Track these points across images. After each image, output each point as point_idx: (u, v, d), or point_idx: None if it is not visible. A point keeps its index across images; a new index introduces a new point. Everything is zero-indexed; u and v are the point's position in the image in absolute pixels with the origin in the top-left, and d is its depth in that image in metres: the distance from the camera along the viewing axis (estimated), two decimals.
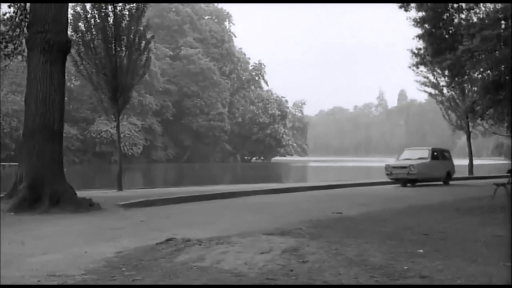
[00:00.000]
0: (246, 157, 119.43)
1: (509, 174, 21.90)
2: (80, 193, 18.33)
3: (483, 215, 15.12)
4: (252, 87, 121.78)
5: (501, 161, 69.26)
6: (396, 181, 30.04)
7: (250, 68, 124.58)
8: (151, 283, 7.66)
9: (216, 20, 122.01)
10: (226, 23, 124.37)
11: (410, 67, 37.82)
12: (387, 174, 30.10)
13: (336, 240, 10.96)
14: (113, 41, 23.65)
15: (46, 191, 16.28)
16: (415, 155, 32.03)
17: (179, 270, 8.40)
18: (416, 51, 35.54)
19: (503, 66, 24.97)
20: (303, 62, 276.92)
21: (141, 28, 24.81)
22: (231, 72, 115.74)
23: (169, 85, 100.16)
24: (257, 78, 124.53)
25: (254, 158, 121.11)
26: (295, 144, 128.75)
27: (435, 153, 32.28)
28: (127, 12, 24.01)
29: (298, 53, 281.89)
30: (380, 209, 16.76)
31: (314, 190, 26.45)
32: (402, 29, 41.46)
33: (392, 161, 34.61)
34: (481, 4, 27.09)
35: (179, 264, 8.88)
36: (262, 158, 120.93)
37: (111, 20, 23.62)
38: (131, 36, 24.10)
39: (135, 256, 9.58)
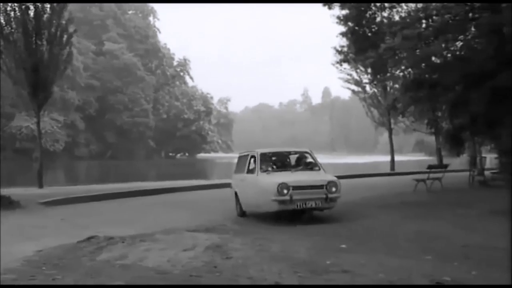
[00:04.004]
0: (170, 154, 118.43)
1: (428, 170, 22.43)
2: None
3: (404, 210, 15.41)
4: (177, 83, 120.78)
5: (422, 157, 70.93)
6: None
7: (175, 64, 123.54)
8: (73, 283, 7.47)
9: (140, 15, 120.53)
10: (151, 18, 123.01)
11: (333, 64, 38.22)
12: None
13: (260, 236, 11.00)
14: (34, 35, 23.06)
15: None
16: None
17: (101, 268, 8.26)
18: (339, 49, 36.00)
19: (423, 64, 25.53)
20: (229, 59, 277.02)
21: (63, 22, 24.27)
22: (156, 68, 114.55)
23: (92, 80, 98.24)
24: (182, 74, 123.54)
25: (179, 155, 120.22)
26: (220, 141, 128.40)
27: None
28: (48, 6, 23.43)
29: (224, 50, 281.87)
30: None
31: None
32: (327, 27, 41.83)
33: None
34: (403, 3, 27.61)
35: (101, 262, 8.73)
36: (187, 154, 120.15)
37: (31, 13, 23.01)
38: (53, 30, 23.56)
39: (56, 254, 9.36)
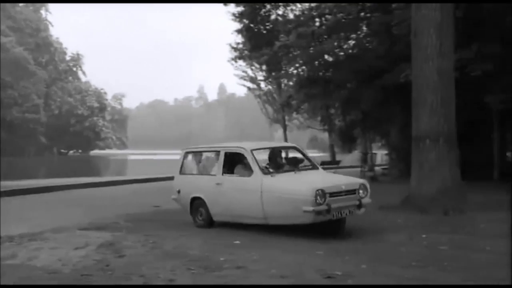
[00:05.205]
0: (63, 150, 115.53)
1: (321, 166, 22.83)
2: None
3: None
4: (70, 78, 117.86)
5: (315, 153, 72.33)
6: None
7: (68, 58, 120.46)
8: None
9: (31, 8, 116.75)
10: (43, 12, 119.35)
11: (229, 61, 38.36)
12: None
13: (153, 234, 10.90)
14: None
15: None
16: None
17: None
18: (235, 46, 36.20)
19: (317, 62, 26.00)
20: (124, 55, 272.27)
21: None
22: (48, 63, 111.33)
23: None
24: (74, 69, 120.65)
25: (71, 152, 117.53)
26: (114, 137, 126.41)
27: None
28: None
29: (119, 46, 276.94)
30: None
31: (133, 184, 26.14)
32: (224, 23, 41.93)
33: None
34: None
35: None
36: (80, 151, 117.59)
37: None
38: None
39: None
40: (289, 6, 29.06)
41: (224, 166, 11.93)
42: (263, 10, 29.21)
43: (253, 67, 41.06)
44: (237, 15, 30.46)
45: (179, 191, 12.95)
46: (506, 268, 7.83)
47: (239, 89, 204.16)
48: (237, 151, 11.83)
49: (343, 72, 24.76)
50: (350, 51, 25.72)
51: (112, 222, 12.86)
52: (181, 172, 13.18)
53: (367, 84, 23.22)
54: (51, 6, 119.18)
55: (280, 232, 10.52)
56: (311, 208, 9.94)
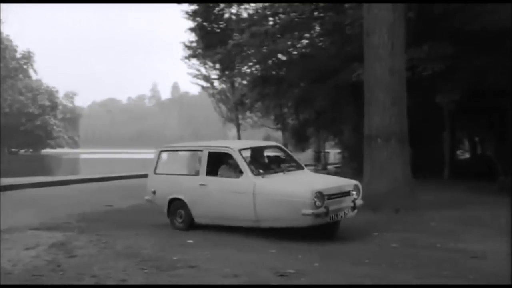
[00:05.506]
0: (13, 149, 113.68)
1: None
2: None
3: None
4: (21, 76, 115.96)
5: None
6: None
7: (19, 56, 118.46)
8: None
9: None
10: None
11: (182, 59, 38.21)
12: None
13: (106, 233, 10.81)
14: None
15: None
16: None
17: None
18: (189, 44, 36.07)
19: (270, 61, 26.08)
20: (76, 54, 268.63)
21: None
22: None
23: None
24: (25, 67, 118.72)
25: (22, 151, 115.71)
26: (66, 136, 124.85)
27: None
28: None
29: (71, 45, 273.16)
30: None
31: (85, 183, 25.77)
32: (177, 22, 41.75)
33: None
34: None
35: None
36: (31, 150, 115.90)
37: None
38: None
39: None
40: (242, 5, 29.06)
41: (208, 166, 11.31)
42: (217, 8, 29.16)
43: (206, 66, 40.95)
44: (190, 13, 30.37)
45: (154, 192, 12.22)
46: (455, 265, 7.97)
47: (192, 87, 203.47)
48: (223, 151, 11.31)
49: (296, 71, 24.89)
50: (303, 50, 25.85)
51: (64, 222, 12.69)
52: (156, 172, 12.42)
53: (320, 83, 23.36)
54: (2, 4, 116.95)
55: (234, 231, 10.51)
56: (310, 211, 9.55)
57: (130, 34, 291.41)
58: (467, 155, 29.91)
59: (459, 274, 7.45)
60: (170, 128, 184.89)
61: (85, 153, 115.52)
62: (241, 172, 10.68)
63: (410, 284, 7.11)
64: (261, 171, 10.78)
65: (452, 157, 23.67)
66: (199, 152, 11.77)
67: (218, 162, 11.36)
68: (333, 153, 34.69)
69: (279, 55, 26.24)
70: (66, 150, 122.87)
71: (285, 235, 10.09)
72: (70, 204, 16.10)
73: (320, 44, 25.44)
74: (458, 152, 28.26)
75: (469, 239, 10.03)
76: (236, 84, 39.96)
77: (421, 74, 17.80)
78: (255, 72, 28.54)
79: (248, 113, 40.26)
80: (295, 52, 25.97)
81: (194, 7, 29.52)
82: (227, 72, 35.07)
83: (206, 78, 42.86)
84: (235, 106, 40.64)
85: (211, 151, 11.44)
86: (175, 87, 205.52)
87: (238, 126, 42.96)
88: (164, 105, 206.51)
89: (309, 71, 23.91)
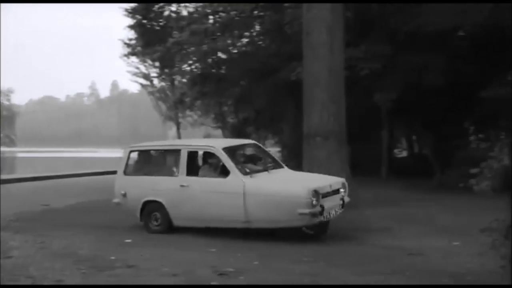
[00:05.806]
0: None
1: None
2: None
3: None
4: None
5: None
6: None
7: None
8: None
9: None
10: None
11: (121, 57, 37.74)
12: None
13: (42, 233, 10.62)
14: None
15: None
16: None
17: None
18: (128, 42, 35.66)
19: (210, 59, 26.01)
20: (12, 51, 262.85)
21: None
22: None
23: None
24: None
25: None
26: (2, 134, 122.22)
27: None
28: None
29: (6, 42, 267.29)
30: (89, 200, 16.42)
31: (22, 182, 25.23)
32: (116, 19, 41.24)
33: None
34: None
35: None
36: None
37: None
38: None
39: None
40: (182, 3, 28.89)
41: (189, 166, 10.87)
42: (156, 6, 28.92)
43: (146, 64, 40.45)
44: (130, 10, 30.05)
45: (124, 194, 11.44)
46: (392, 262, 8.10)
47: (132, 86, 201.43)
48: (206, 150, 11.01)
49: (236, 70, 24.89)
50: (243, 49, 25.86)
51: None
52: (126, 173, 11.71)
53: (260, 82, 23.42)
54: None
55: (173, 230, 10.47)
56: (307, 211, 9.41)
57: (69, 31, 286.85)
58: (404, 154, 30.37)
59: (396, 271, 7.57)
60: (109, 127, 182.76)
61: (22, 152, 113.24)
62: (225, 172, 10.37)
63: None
64: (247, 170, 10.48)
65: (390, 156, 24.02)
66: (176, 152, 11.27)
67: (197, 162, 11.20)
68: (273, 152, 34.81)
69: (219, 54, 26.15)
70: (2, 148, 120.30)
71: (226, 234, 10.08)
72: (6, 204, 15.72)
73: (260, 43, 25.50)
74: (396, 150, 28.68)
75: (405, 237, 10.23)
76: (176, 82, 39.71)
77: (359, 74, 18.02)
78: (195, 70, 28.38)
79: (188, 112, 40.02)
80: (235, 51, 25.95)
81: (133, 4, 29.23)
82: (166, 70, 34.85)
83: (146, 76, 42.36)
84: (174, 104, 40.32)
85: (190, 150, 11.06)
86: (114, 85, 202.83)
87: (178, 124, 42.67)
88: (103, 103, 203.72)
89: (249, 69, 23.94)
